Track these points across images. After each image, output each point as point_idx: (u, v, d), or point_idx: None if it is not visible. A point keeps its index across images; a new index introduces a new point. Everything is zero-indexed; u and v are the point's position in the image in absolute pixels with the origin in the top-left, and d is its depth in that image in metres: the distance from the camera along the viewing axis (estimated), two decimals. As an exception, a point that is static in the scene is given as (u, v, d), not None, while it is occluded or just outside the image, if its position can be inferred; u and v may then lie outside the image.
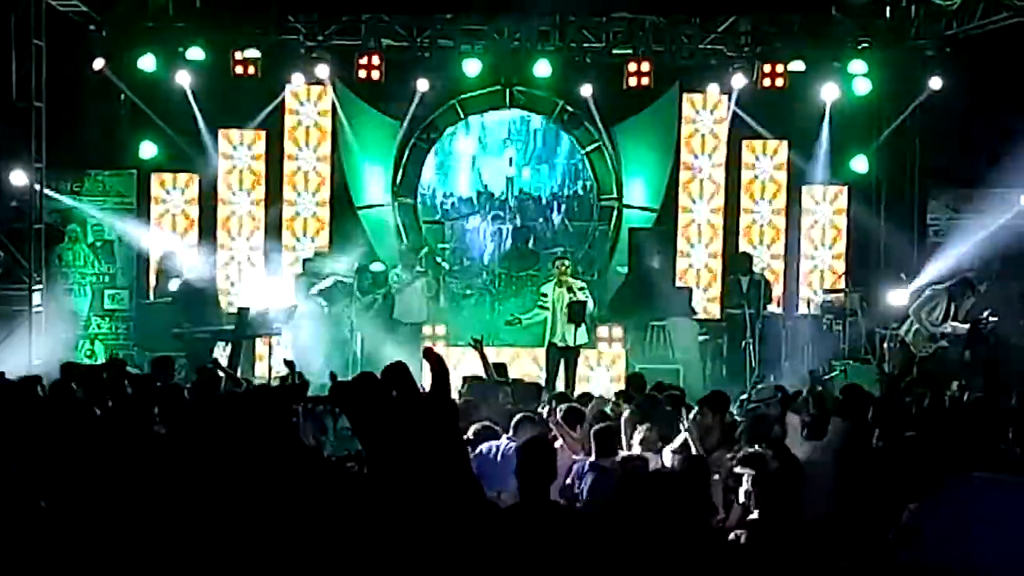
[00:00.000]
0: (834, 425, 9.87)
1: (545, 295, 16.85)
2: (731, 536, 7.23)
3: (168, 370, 13.16)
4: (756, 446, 9.05)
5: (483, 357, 12.97)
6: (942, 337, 16.22)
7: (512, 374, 14.38)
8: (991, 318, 15.98)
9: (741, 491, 7.64)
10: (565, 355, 16.44)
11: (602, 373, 17.12)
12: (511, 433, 9.26)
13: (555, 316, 16.56)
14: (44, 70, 16.57)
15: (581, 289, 16.66)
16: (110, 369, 13.09)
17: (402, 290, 17.82)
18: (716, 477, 8.44)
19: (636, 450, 9.20)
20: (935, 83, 18.36)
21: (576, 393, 13.98)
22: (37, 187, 16.80)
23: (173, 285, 17.35)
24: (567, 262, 17.09)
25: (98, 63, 18.08)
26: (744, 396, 14.04)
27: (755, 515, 7.28)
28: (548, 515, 6.43)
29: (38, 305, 16.85)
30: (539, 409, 10.98)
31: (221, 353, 15.83)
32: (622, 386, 13.72)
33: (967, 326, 16.05)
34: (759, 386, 12.53)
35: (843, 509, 8.48)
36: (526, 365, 16.79)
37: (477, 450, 9.10)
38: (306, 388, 10.75)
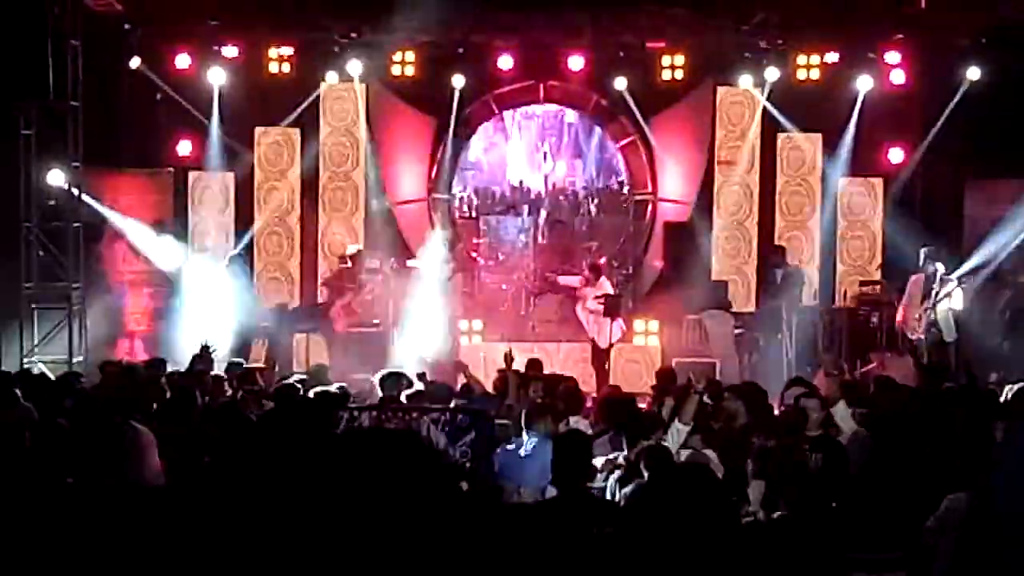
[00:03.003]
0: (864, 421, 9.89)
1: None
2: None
3: (206, 361, 13.24)
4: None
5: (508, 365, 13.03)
6: (926, 313, 16.37)
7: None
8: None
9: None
10: (600, 353, 16.54)
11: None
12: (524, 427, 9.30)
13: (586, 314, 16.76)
14: (81, 69, 16.68)
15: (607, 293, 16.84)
16: (150, 367, 13.23)
17: (439, 285, 17.87)
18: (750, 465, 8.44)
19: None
20: (973, 74, 18.24)
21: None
22: (75, 187, 16.91)
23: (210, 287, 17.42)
24: (588, 274, 17.30)
25: (134, 62, 18.19)
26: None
27: (789, 507, 7.28)
28: (585, 508, 6.46)
29: (77, 304, 16.98)
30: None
31: (259, 349, 15.95)
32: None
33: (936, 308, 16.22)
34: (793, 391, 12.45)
35: (881, 501, 8.46)
36: (562, 361, 16.81)
37: (500, 448, 9.17)
38: (345, 398, 10.82)
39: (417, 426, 9.23)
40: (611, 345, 16.63)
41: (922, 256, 17.11)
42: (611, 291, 16.96)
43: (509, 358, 13.20)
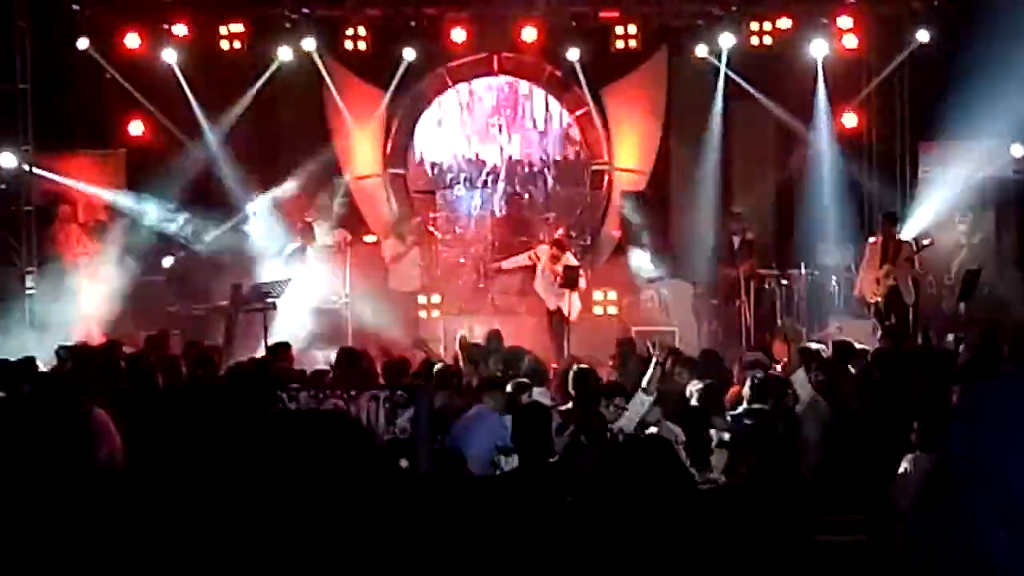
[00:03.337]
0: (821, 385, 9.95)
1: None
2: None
3: (163, 346, 13.18)
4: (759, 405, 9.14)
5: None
6: (885, 277, 16.53)
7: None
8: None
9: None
10: (556, 320, 16.48)
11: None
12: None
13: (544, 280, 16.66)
14: (29, 51, 16.50)
15: (570, 267, 16.71)
16: (107, 350, 13.15)
17: (396, 260, 17.86)
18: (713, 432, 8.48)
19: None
20: (923, 36, 18.30)
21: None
22: (27, 169, 16.75)
23: (167, 263, 17.33)
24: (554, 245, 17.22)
25: (82, 43, 17.98)
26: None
27: (750, 472, 7.31)
28: (546, 479, 6.46)
29: (31, 287, 16.83)
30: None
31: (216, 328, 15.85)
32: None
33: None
34: (747, 356, 12.49)
35: (840, 465, 8.52)
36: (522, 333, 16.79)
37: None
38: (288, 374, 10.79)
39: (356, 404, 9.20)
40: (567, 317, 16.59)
41: (880, 221, 17.24)
42: (573, 262, 16.93)
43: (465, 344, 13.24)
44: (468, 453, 8.62)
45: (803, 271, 18.37)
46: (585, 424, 8.22)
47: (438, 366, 11.43)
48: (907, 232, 17.27)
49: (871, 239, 17.17)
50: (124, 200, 18.35)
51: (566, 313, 16.49)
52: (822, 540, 7.03)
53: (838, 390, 10.17)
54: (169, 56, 18.38)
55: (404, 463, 8.37)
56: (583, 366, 10.83)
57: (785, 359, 11.04)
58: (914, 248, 16.79)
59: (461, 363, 12.33)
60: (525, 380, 10.17)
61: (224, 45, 18.66)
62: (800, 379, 9.89)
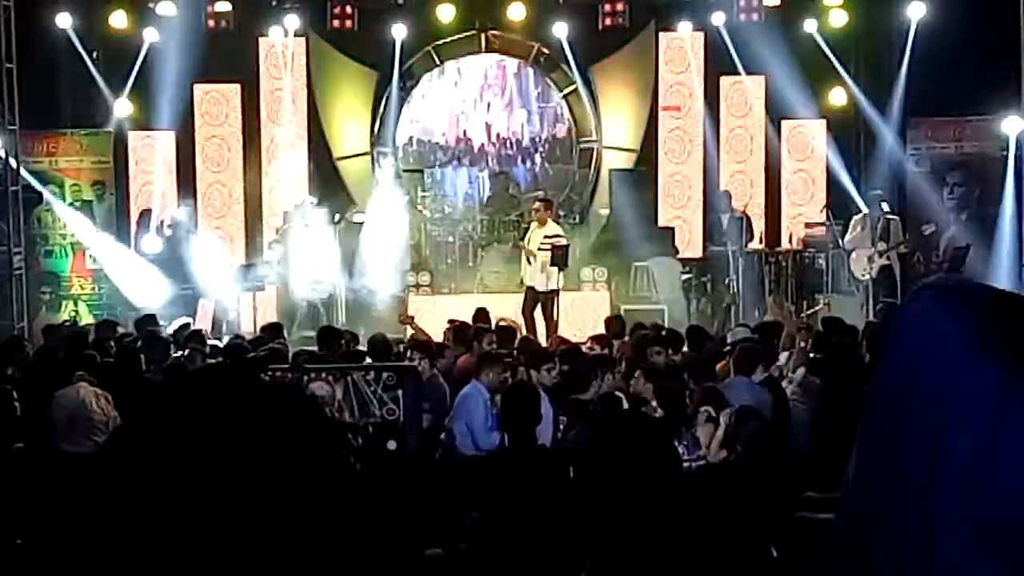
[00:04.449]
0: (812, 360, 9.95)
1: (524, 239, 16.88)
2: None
3: (151, 328, 13.15)
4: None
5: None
6: (880, 256, 16.56)
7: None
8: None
9: (719, 430, 7.70)
10: (541, 298, 16.41)
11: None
12: (477, 375, 9.31)
13: (528, 259, 16.56)
14: (14, 31, 16.40)
15: (556, 235, 16.57)
16: (100, 330, 13.14)
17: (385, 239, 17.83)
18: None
19: None
20: (916, 10, 18.24)
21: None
22: (12, 150, 16.67)
23: (150, 245, 17.24)
24: (538, 204, 17.06)
25: (63, 19, 17.83)
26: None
27: (737, 452, 7.31)
28: (534, 458, 6.45)
29: (17, 268, 16.77)
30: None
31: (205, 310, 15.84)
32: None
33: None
34: (736, 328, 12.54)
35: (827, 443, 8.52)
36: (511, 312, 16.78)
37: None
38: (269, 358, 10.76)
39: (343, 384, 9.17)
40: (555, 292, 16.50)
41: (869, 200, 17.25)
42: (560, 231, 16.81)
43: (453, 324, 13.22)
44: (459, 431, 8.62)
45: (791, 247, 18.39)
46: (570, 404, 8.23)
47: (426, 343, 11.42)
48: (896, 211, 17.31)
49: (857, 216, 17.19)
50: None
51: (547, 286, 16.39)
52: (809, 518, 7.03)
53: (828, 368, 10.16)
54: (150, 35, 18.25)
55: (392, 445, 8.37)
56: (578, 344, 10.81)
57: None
58: (904, 235, 16.86)
59: (451, 342, 12.33)
60: (514, 358, 10.18)
61: (211, 24, 18.57)
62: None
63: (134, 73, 18.37)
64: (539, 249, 16.34)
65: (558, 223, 17.22)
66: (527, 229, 17.20)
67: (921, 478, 1.41)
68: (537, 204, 17.11)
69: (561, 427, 8.25)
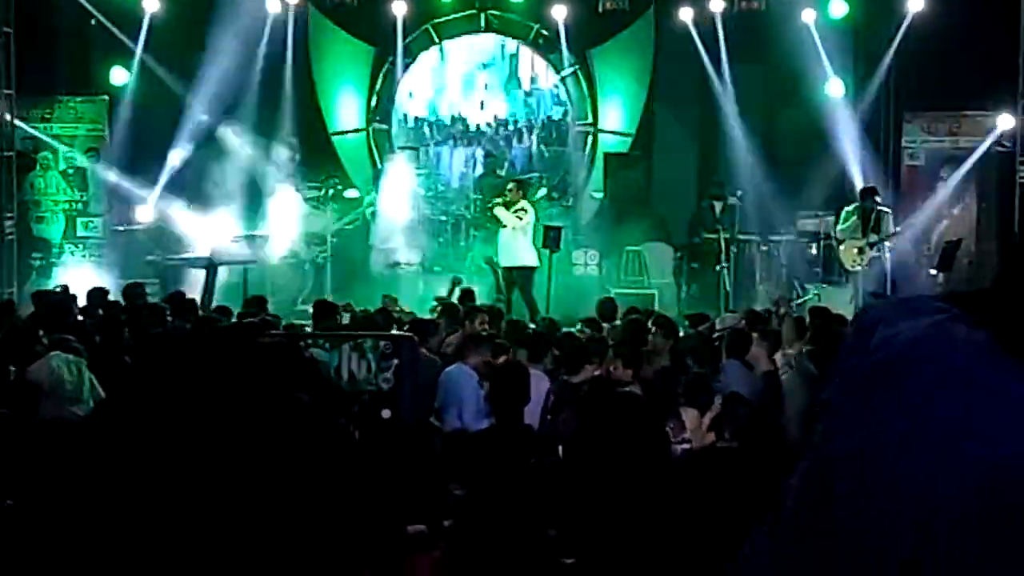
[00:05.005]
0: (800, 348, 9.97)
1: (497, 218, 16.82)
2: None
3: (139, 297, 13.15)
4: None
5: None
6: (870, 247, 16.61)
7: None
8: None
9: (708, 415, 7.72)
10: (516, 276, 16.41)
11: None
12: (464, 357, 9.32)
13: (499, 233, 16.56)
14: (13, -4, 16.37)
15: (523, 210, 16.52)
16: (90, 298, 13.13)
17: (376, 216, 17.86)
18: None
19: None
20: (914, 4, 18.23)
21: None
22: (8, 115, 16.64)
23: (143, 214, 17.23)
24: (512, 185, 17.00)
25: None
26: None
27: (724, 438, 7.33)
28: (520, 439, 6.47)
29: (9, 233, 16.76)
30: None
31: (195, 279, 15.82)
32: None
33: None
34: (724, 314, 12.60)
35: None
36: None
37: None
38: (268, 325, 10.76)
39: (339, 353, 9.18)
40: (528, 271, 16.48)
41: (861, 193, 17.27)
42: (528, 208, 16.78)
43: (457, 282, 13.23)
44: (448, 414, 8.63)
45: (784, 237, 18.42)
46: (560, 385, 8.25)
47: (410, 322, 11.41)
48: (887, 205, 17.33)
49: (848, 207, 17.20)
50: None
51: (515, 262, 16.40)
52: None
53: (820, 358, 10.19)
54: (152, 3, 18.19)
55: (387, 413, 8.38)
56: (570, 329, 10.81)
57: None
58: (892, 227, 16.89)
59: (439, 320, 12.33)
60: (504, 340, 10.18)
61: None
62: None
63: (131, 40, 18.28)
64: (512, 224, 16.35)
65: (533, 203, 17.12)
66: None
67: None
68: (511, 185, 17.06)
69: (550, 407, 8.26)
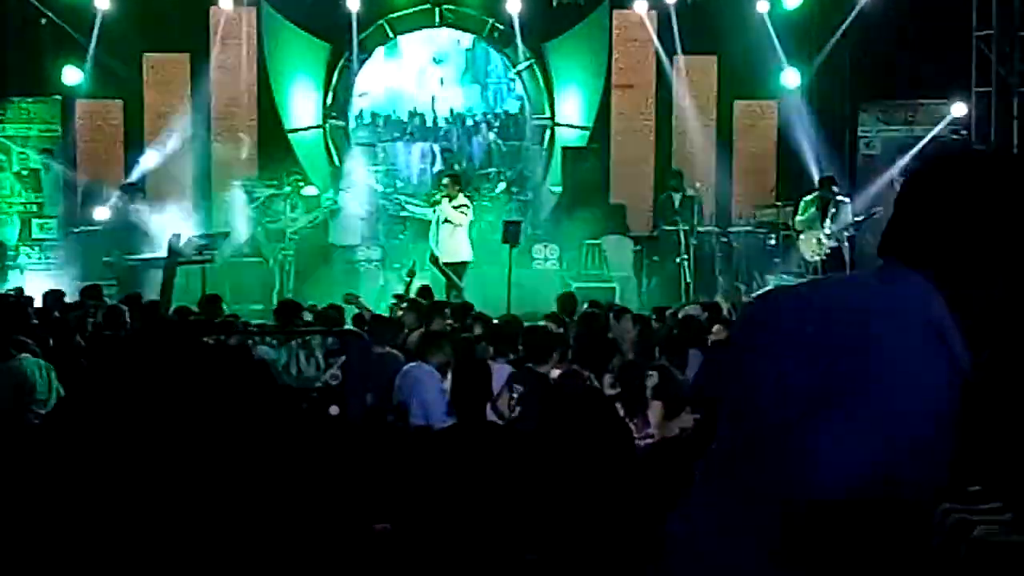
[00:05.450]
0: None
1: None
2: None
3: (97, 299, 13.05)
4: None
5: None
6: (828, 238, 16.70)
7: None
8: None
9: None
10: (452, 271, 16.37)
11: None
12: (424, 356, 9.23)
13: (436, 230, 16.48)
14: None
15: (465, 207, 16.45)
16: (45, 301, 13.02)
17: (336, 213, 17.80)
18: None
19: None
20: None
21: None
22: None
23: (100, 214, 17.11)
24: (447, 180, 16.92)
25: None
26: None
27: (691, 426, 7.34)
28: (483, 436, 6.44)
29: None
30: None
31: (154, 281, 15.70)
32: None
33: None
34: (686, 308, 12.61)
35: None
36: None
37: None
38: (213, 320, 10.71)
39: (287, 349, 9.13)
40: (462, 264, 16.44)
41: (820, 182, 17.32)
42: (467, 203, 16.71)
43: (412, 273, 13.17)
44: (415, 406, 8.56)
45: (742, 228, 18.49)
46: (525, 374, 8.22)
47: (372, 319, 11.35)
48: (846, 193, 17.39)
49: (807, 197, 17.25)
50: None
51: (452, 258, 16.35)
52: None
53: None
54: (101, 3, 18.04)
55: (335, 410, 8.32)
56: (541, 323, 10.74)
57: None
58: (852, 215, 16.93)
59: (401, 316, 12.27)
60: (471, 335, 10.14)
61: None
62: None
63: (83, 40, 18.14)
64: (446, 221, 16.28)
65: (469, 197, 17.01)
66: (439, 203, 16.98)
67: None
68: (446, 180, 16.99)
69: (514, 396, 8.20)
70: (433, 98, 20.03)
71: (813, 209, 17.03)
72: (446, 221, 16.23)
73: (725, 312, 11.91)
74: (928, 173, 2.25)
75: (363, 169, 18.68)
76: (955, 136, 18.00)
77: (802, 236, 17.10)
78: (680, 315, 11.64)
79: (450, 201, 16.34)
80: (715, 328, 10.02)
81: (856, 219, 16.96)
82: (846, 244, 16.94)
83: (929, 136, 17.99)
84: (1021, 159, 2.30)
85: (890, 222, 2.29)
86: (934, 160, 2.27)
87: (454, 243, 16.31)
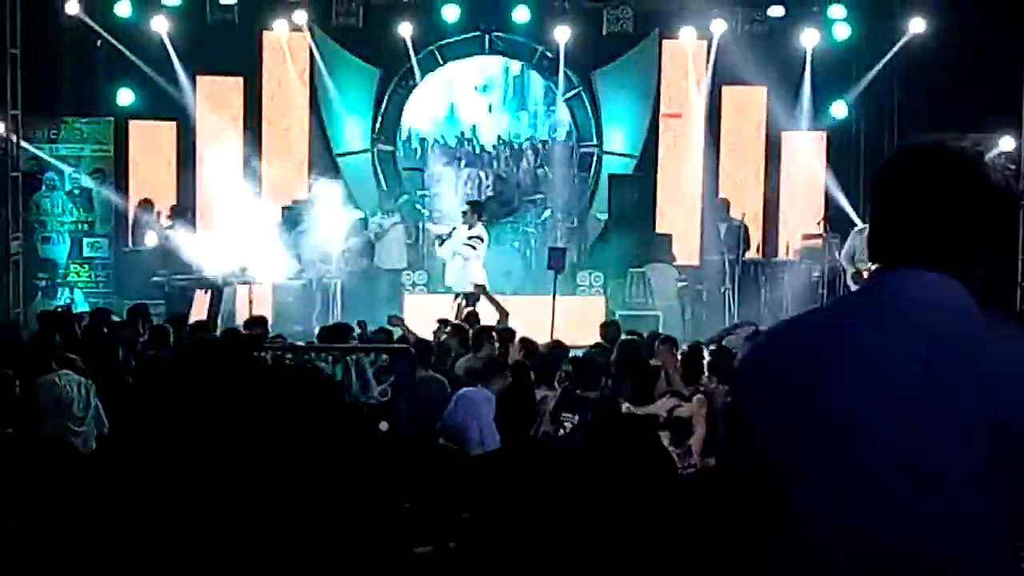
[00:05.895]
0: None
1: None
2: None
3: (144, 318, 13.17)
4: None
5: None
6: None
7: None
8: None
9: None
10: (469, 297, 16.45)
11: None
12: (487, 381, 9.25)
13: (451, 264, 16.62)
14: (19, 16, 16.41)
15: (478, 238, 16.53)
16: (92, 319, 13.15)
17: (382, 237, 17.92)
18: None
19: None
20: (917, 25, 18.27)
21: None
22: (14, 136, 16.70)
23: (151, 239, 17.28)
24: (467, 207, 17.01)
25: (72, 7, 17.84)
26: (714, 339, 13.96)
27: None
28: (529, 459, 6.47)
29: (15, 253, 16.80)
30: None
31: (201, 301, 15.86)
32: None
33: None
34: (730, 336, 12.59)
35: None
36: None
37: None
38: (262, 337, 10.79)
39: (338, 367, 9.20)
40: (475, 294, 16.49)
41: (865, 213, 17.26)
42: (483, 234, 16.80)
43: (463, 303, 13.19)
44: (469, 431, 8.55)
45: (788, 259, 18.44)
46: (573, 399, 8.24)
47: (416, 342, 11.40)
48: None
49: (855, 228, 17.20)
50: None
51: (465, 286, 16.43)
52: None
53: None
54: (159, 25, 18.27)
55: (384, 426, 8.37)
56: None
57: None
58: None
59: (445, 341, 12.32)
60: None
61: (215, 16, 18.59)
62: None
63: (138, 62, 18.36)
64: (461, 247, 16.40)
65: (486, 228, 17.09)
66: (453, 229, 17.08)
67: None
68: (465, 207, 17.11)
69: (565, 424, 8.22)
70: (479, 125, 20.13)
71: (860, 240, 16.94)
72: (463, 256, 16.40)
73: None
74: (893, 172, 2.29)
75: (409, 194, 18.81)
76: (1006, 169, 17.91)
77: (850, 268, 17.03)
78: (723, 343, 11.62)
79: (469, 229, 16.47)
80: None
81: None
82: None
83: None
84: (961, 149, 2.46)
85: (873, 227, 2.29)
86: (896, 160, 2.31)
87: (465, 271, 16.41)
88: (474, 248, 16.48)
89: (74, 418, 9.01)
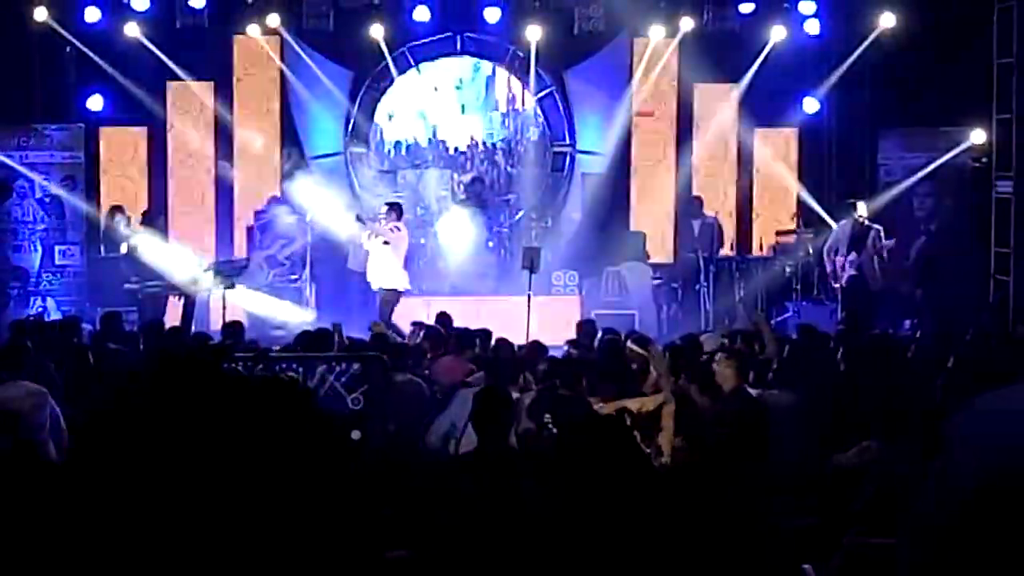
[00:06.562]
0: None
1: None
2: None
3: (117, 326, 13.10)
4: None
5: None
6: (850, 265, 16.55)
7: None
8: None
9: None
10: (382, 295, 16.42)
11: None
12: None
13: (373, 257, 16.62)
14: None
15: (391, 230, 16.50)
16: (64, 328, 13.06)
17: (354, 239, 17.85)
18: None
19: None
20: (887, 20, 18.30)
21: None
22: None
23: (123, 247, 17.19)
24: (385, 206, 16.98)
25: (41, 13, 17.73)
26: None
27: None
28: (505, 461, 6.46)
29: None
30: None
31: (174, 307, 15.77)
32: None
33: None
34: (704, 335, 12.59)
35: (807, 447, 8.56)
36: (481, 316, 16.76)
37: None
38: (233, 347, 10.74)
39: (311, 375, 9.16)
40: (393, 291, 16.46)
41: (842, 208, 17.26)
42: (396, 229, 16.71)
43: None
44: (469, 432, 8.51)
45: (762, 255, 18.48)
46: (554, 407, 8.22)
47: (392, 346, 11.37)
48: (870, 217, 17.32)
49: (836, 225, 17.21)
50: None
51: (381, 284, 16.41)
52: (774, 523, 7.06)
53: (805, 373, 10.17)
54: (130, 30, 18.15)
55: (356, 435, 8.33)
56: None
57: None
58: (881, 237, 16.78)
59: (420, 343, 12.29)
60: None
61: (185, 21, 18.49)
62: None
63: (108, 68, 18.26)
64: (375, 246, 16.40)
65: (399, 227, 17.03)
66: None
67: None
68: (384, 206, 17.04)
69: (548, 424, 8.20)
70: (452, 125, 20.09)
71: (836, 234, 16.96)
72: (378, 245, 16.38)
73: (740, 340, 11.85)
74: None
75: (383, 196, 18.72)
76: (976, 163, 17.97)
77: (825, 262, 17.04)
78: (707, 347, 11.56)
79: (383, 225, 16.43)
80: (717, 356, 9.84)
81: (880, 245, 16.79)
82: (877, 269, 16.74)
83: (940, 160, 17.93)
84: None
85: None
86: None
87: (384, 268, 16.36)
88: (383, 244, 16.40)
89: (30, 427, 8.89)
